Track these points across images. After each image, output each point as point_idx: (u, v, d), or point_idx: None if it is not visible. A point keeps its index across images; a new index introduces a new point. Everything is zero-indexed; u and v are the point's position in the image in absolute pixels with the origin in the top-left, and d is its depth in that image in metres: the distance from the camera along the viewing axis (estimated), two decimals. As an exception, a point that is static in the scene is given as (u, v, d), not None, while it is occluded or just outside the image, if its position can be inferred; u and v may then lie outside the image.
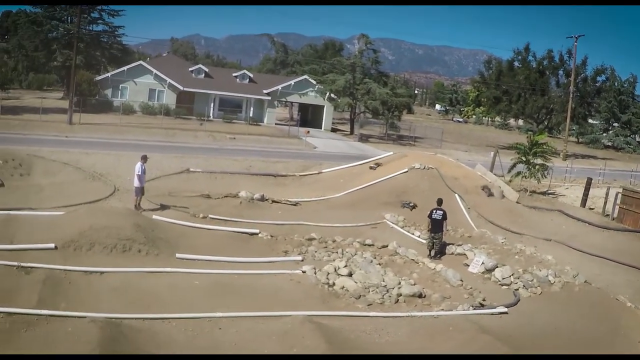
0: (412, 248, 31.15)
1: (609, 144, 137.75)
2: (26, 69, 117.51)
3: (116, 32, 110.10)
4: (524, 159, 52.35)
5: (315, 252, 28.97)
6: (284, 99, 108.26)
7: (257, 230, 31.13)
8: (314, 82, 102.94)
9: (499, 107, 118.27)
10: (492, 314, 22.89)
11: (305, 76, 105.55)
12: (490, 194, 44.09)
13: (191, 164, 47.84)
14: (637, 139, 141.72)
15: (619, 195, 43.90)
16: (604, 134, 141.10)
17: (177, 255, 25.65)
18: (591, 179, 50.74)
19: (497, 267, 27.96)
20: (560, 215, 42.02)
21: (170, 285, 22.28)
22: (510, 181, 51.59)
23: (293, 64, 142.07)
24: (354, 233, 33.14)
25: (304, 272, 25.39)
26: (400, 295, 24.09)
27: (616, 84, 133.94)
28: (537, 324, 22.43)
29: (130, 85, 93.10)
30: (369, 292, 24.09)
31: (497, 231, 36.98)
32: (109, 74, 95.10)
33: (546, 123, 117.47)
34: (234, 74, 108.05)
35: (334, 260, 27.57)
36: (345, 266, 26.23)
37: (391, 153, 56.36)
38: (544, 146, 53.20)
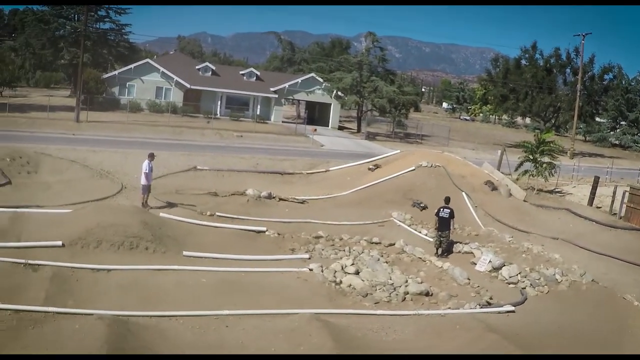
0: (419, 246, 31.13)
1: (617, 142, 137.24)
2: (33, 67, 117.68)
3: (123, 30, 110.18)
4: (531, 157, 52.24)
5: (323, 250, 28.97)
6: (291, 97, 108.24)
7: (264, 228, 31.13)
8: (321, 80, 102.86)
9: (506, 105, 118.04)
10: (499, 312, 22.86)
11: (312, 74, 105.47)
12: (494, 188, 44.05)
13: (198, 162, 47.90)
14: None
15: (627, 193, 43.81)
16: (612, 133, 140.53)
17: (185, 252, 25.68)
18: (598, 178, 50.60)
19: (504, 265, 27.91)
20: (568, 214, 41.93)
21: (177, 283, 22.30)
22: (517, 179, 51.44)
23: (300, 61, 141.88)
24: (361, 231, 33.12)
25: (311, 270, 25.42)
26: (407, 293, 24.09)
27: (623, 82, 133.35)
28: (544, 322, 22.39)
29: (137, 83, 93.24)
30: (376, 290, 24.09)
31: (505, 229, 36.93)
32: (116, 72, 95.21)
33: (553, 121, 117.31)
34: (241, 72, 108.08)
35: (341, 258, 27.54)
36: (352, 264, 26.21)
37: (398, 151, 56.33)
38: (551, 144, 53.06)
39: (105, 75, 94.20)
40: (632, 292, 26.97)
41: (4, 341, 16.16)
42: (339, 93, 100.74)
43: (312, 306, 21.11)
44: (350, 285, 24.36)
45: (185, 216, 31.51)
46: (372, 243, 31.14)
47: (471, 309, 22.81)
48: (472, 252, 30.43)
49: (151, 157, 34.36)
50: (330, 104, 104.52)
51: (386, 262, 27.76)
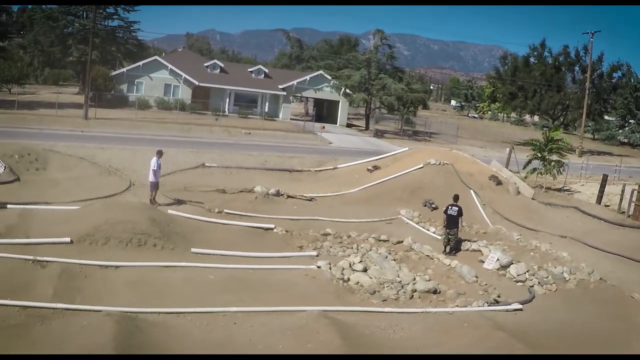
0: (427, 244, 31.14)
1: (625, 140, 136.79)
2: (42, 64, 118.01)
3: (131, 28, 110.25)
4: (539, 155, 52.11)
5: (330, 247, 29.01)
6: (299, 94, 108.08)
7: (272, 225, 31.19)
8: (329, 77, 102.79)
9: (515, 103, 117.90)
10: (507, 310, 22.85)
11: (321, 71, 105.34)
12: (499, 183, 44.04)
13: (206, 159, 47.90)
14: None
15: (635, 192, 43.69)
16: (620, 131, 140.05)
17: (193, 249, 25.72)
18: (607, 176, 50.44)
19: (512, 263, 27.90)
20: (576, 212, 41.82)
21: (185, 280, 22.35)
22: (525, 177, 51.32)
23: (308, 59, 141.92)
24: (369, 228, 33.11)
25: (318, 267, 25.46)
26: (415, 291, 24.09)
27: (632, 81, 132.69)
28: (551, 320, 22.37)
29: (145, 80, 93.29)
30: (383, 287, 24.10)
31: (513, 227, 36.88)
32: (124, 69, 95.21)
33: (562, 119, 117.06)
34: (249, 69, 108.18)
35: (349, 255, 27.58)
36: (360, 262, 26.22)
37: (406, 149, 56.33)
38: (560, 142, 52.94)
39: (114, 73, 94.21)
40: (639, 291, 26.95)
41: (13, 337, 16.22)
42: (347, 90, 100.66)
43: (320, 303, 21.14)
44: (358, 282, 24.38)
45: (193, 213, 31.58)
46: (380, 240, 31.14)
47: (479, 307, 22.80)
48: (480, 250, 30.45)
49: (159, 154, 34.40)
50: (339, 102, 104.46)
51: (394, 260, 27.77)
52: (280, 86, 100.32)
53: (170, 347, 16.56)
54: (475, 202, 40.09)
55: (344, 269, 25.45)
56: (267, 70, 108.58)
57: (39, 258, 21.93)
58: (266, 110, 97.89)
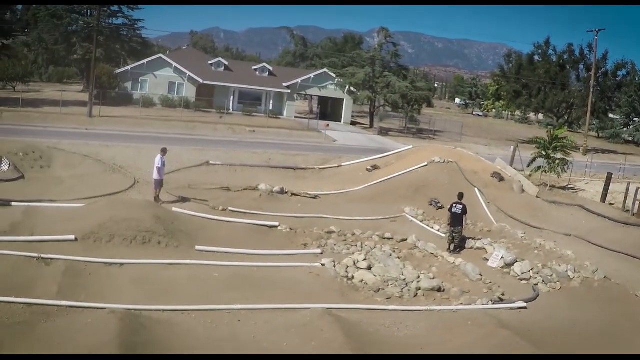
0: (432, 242, 31.11)
1: (630, 139, 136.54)
2: (46, 62, 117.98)
3: (136, 26, 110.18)
4: (544, 153, 52.02)
5: (335, 245, 29.00)
6: (303, 92, 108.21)
7: (276, 223, 31.21)
8: (334, 75, 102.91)
9: (519, 101, 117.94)
10: (511, 308, 22.85)
11: (325, 69, 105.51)
12: (501, 179, 44.06)
13: (211, 157, 47.92)
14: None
15: (640, 190, 43.66)
16: (625, 129, 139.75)
17: (197, 247, 25.75)
18: (611, 174, 50.40)
19: (517, 261, 27.89)
20: (580, 210, 41.76)
21: (189, 277, 22.37)
22: (530, 175, 51.26)
23: (312, 57, 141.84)
24: (373, 226, 33.11)
25: (323, 265, 25.47)
26: (419, 289, 24.09)
27: (637, 79, 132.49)
28: (556, 319, 22.35)
29: (150, 78, 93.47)
30: (388, 285, 24.11)
31: (517, 225, 36.84)
32: (128, 67, 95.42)
33: (566, 117, 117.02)
34: (254, 67, 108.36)
35: (353, 253, 27.60)
36: (365, 259, 26.22)
37: (410, 147, 56.33)
38: (564, 141, 52.84)
39: (118, 71, 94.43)
40: (644, 289, 26.90)
41: (17, 334, 16.25)
42: (352, 88, 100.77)
43: (324, 301, 21.13)
44: (363, 280, 24.39)
45: (197, 211, 31.62)
46: (385, 238, 31.15)
47: (483, 305, 22.80)
48: (484, 248, 30.42)
49: (164, 152, 34.42)
50: (343, 100, 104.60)
51: (398, 258, 27.76)
52: (284, 84, 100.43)
53: (175, 345, 16.58)
54: (479, 200, 40.07)
55: (348, 266, 25.46)
56: (271, 68, 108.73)
57: (43, 255, 21.97)
58: (270, 108, 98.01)
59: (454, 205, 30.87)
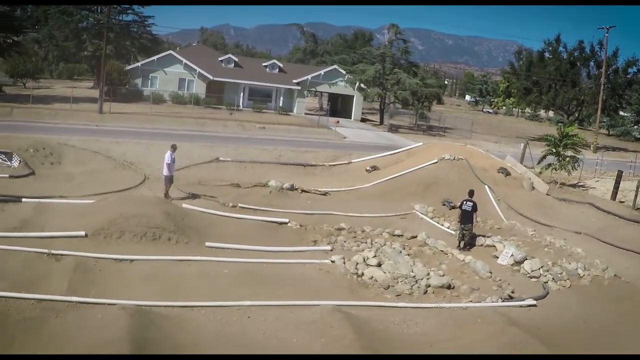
0: (442, 239, 31.09)
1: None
2: (57, 58, 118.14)
3: (146, 22, 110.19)
4: (554, 150, 51.89)
5: (345, 242, 29.01)
6: (313, 89, 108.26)
7: (286, 220, 31.20)
8: (344, 72, 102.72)
9: (529, 98, 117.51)
10: (521, 306, 22.82)
11: (335, 66, 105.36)
12: (508, 174, 43.99)
13: (221, 153, 47.94)
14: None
15: (650, 188, 43.50)
16: (635, 127, 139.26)
17: (207, 243, 25.78)
18: (622, 172, 50.18)
19: (527, 259, 27.83)
20: (591, 208, 41.58)
21: (199, 274, 22.40)
22: (540, 173, 51.16)
23: (322, 53, 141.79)
24: (383, 223, 33.09)
25: (332, 261, 25.47)
26: (429, 286, 24.09)
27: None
28: (565, 317, 22.33)
29: (160, 74, 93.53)
30: (397, 282, 24.11)
31: (527, 223, 36.75)
32: (139, 64, 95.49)
33: (577, 115, 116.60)
34: (264, 64, 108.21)
35: (363, 250, 27.60)
36: (374, 256, 26.22)
37: (420, 144, 56.16)
38: (575, 138, 52.70)
39: (128, 67, 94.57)
40: (654, 287, 26.82)
41: (27, 330, 16.30)
42: (362, 85, 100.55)
43: (334, 298, 21.15)
44: (372, 277, 24.39)
45: (207, 207, 31.65)
46: (394, 235, 31.14)
47: (493, 302, 22.78)
48: (494, 246, 30.36)
49: (173, 148, 34.44)
50: (353, 96, 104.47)
51: (408, 255, 27.74)
52: (294, 81, 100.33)
53: (185, 341, 16.62)
54: (489, 197, 39.99)
55: (357, 263, 25.46)
56: (281, 65, 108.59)
57: (53, 251, 22.04)
58: (280, 104, 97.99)
59: (465, 202, 30.84)
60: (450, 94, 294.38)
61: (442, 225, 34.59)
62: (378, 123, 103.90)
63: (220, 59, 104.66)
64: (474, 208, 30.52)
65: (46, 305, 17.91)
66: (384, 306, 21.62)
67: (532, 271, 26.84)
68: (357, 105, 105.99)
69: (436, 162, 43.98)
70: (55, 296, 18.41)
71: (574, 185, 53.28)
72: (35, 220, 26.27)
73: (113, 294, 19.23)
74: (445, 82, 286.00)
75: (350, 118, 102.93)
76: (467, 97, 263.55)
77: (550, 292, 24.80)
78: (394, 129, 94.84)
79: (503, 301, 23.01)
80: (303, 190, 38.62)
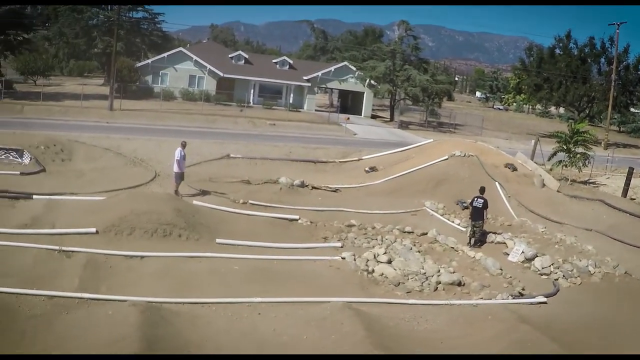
0: (452, 236, 31.06)
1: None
2: (67, 56, 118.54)
3: (156, 19, 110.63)
4: (564, 147, 51.79)
5: (355, 238, 29.01)
6: (323, 86, 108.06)
7: (296, 216, 31.24)
8: (354, 68, 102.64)
9: (540, 94, 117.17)
10: (532, 303, 22.77)
11: (345, 62, 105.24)
12: (514, 169, 43.91)
13: (231, 150, 47.99)
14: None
15: (661, 185, 43.37)
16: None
17: (217, 240, 25.81)
18: (633, 169, 49.96)
19: (537, 256, 27.78)
20: (601, 205, 41.43)
21: (210, 270, 22.43)
22: (550, 170, 50.99)
23: (333, 50, 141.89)
24: (393, 220, 33.06)
25: (343, 258, 25.46)
26: (440, 283, 24.06)
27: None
28: (576, 314, 22.27)
29: (170, 71, 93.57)
30: (408, 279, 24.08)
31: (538, 220, 36.66)
32: (149, 61, 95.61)
33: (587, 111, 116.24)
34: (274, 61, 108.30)
35: (373, 247, 27.58)
36: (385, 253, 26.20)
37: (431, 140, 56.15)
38: (585, 135, 52.58)
39: (139, 64, 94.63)
40: (665, 284, 26.73)
41: (38, 326, 16.36)
42: (372, 82, 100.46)
43: (344, 295, 21.15)
44: (383, 274, 24.37)
45: (218, 204, 31.70)
46: (405, 232, 31.10)
47: (503, 299, 22.76)
48: (504, 243, 30.33)
49: (183, 145, 34.48)
50: (363, 93, 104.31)
51: (418, 252, 27.72)
52: (304, 77, 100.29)
53: (195, 337, 16.64)
54: (500, 194, 39.89)
55: (368, 260, 25.45)
56: (291, 62, 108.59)
57: (64, 248, 22.11)
58: (291, 101, 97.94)
59: (475, 199, 30.80)
60: (460, 90, 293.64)
61: (453, 222, 34.59)
62: (388, 120, 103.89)
63: (230, 55, 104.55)
64: (485, 205, 30.47)
65: (57, 301, 17.98)
66: (395, 303, 21.60)
67: (543, 268, 26.80)
68: (368, 102, 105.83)
69: (446, 159, 43.92)
70: (66, 293, 18.48)
71: (584, 182, 53.18)
72: (46, 217, 26.35)
73: (124, 290, 19.28)
74: (456, 79, 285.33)
75: (361, 115, 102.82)
76: (478, 94, 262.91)
77: (560, 290, 24.75)
78: (404, 125, 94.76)
79: (513, 298, 22.98)
80: (313, 187, 38.64)
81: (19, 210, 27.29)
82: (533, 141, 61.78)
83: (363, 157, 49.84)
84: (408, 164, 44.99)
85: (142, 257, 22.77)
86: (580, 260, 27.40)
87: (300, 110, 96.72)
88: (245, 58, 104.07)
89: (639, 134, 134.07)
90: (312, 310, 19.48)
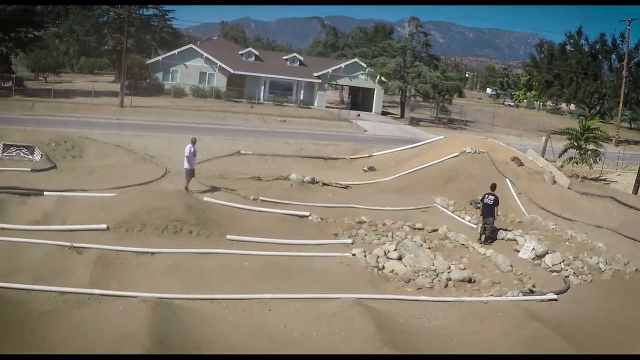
0: (462, 232, 31.00)
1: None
2: (78, 53, 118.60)
3: (166, 16, 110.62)
4: (575, 144, 51.73)
5: (365, 235, 28.99)
6: (334, 82, 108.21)
7: (307, 213, 31.19)
8: (365, 65, 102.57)
9: (551, 91, 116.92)
10: (542, 300, 22.73)
11: (356, 59, 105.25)
12: (521, 164, 43.83)
13: (242, 147, 48.07)
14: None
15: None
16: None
17: (228, 236, 25.84)
18: (644, 166, 49.98)
19: (548, 253, 27.70)
20: (612, 202, 41.32)
21: (220, 267, 22.46)
22: (561, 166, 50.95)
23: (343, 47, 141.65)
24: (404, 216, 33.02)
25: (353, 255, 25.45)
26: (450, 279, 24.05)
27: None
28: (586, 311, 22.19)
29: (181, 68, 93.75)
30: (418, 276, 24.08)
31: (548, 217, 36.51)
32: (159, 58, 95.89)
33: (598, 108, 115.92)
34: (284, 57, 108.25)
35: (383, 243, 27.57)
36: (395, 250, 26.20)
37: (441, 137, 56.03)
38: (596, 131, 52.49)
39: (149, 61, 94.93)
40: (676, 282, 26.64)
41: (49, 322, 16.41)
42: (383, 78, 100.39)
43: (355, 291, 21.14)
44: (393, 270, 24.38)
45: (228, 200, 31.70)
46: (415, 229, 31.05)
47: (514, 296, 22.72)
48: (515, 240, 30.24)
49: (193, 141, 34.51)
50: (374, 89, 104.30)
51: (429, 248, 27.71)
52: (315, 74, 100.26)
53: (206, 334, 16.67)
54: (510, 191, 39.78)
55: (378, 256, 25.45)
56: (302, 58, 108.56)
57: (75, 244, 22.17)
58: (301, 98, 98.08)
59: (486, 196, 30.74)
60: (471, 87, 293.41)
61: (463, 218, 34.51)
62: (399, 116, 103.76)
63: (240, 52, 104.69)
64: (496, 202, 30.41)
65: (68, 297, 18.05)
66: (405, 299, 21.62)
67: (553, 265, 26.73)
68: (378, 99, 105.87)
69: (457, 156, 43.84)
70: (77, 289, 18.55)
71: (595, 179, 53.09)
72: (57, 213, 26.44)
73: (134, 286, 19.34)
74: (466, 75, 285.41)
75: (371, 111, 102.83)
76: (488, 90, 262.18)
77: (571, 287, 24.70)
78: (414, 122, 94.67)
79: (524, 295, 22.94)
80: (324, 184, 38.64)
81: (30, 207, 27.38)
82: (544, 138, 61.64)
83: (374, 154, 49.80)
84: (418, 160, 44.95)
85: (152, 253, 22.82)
86: (591, 258, 27.30)
87: (311, 106, 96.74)
88: (255, 55, 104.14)
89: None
90: (322, 306, 19.49)
